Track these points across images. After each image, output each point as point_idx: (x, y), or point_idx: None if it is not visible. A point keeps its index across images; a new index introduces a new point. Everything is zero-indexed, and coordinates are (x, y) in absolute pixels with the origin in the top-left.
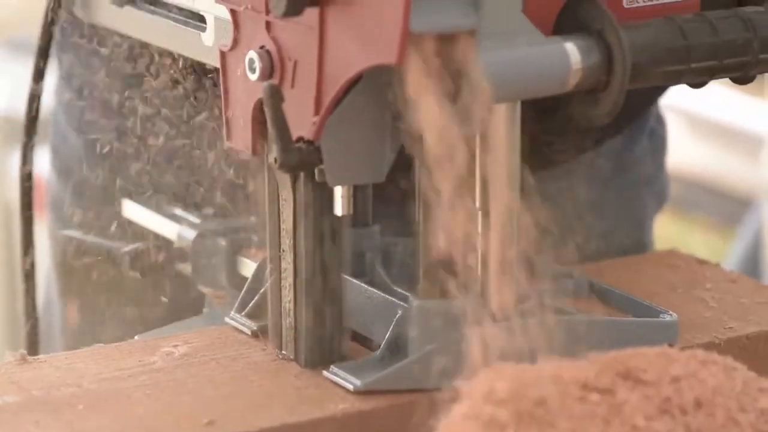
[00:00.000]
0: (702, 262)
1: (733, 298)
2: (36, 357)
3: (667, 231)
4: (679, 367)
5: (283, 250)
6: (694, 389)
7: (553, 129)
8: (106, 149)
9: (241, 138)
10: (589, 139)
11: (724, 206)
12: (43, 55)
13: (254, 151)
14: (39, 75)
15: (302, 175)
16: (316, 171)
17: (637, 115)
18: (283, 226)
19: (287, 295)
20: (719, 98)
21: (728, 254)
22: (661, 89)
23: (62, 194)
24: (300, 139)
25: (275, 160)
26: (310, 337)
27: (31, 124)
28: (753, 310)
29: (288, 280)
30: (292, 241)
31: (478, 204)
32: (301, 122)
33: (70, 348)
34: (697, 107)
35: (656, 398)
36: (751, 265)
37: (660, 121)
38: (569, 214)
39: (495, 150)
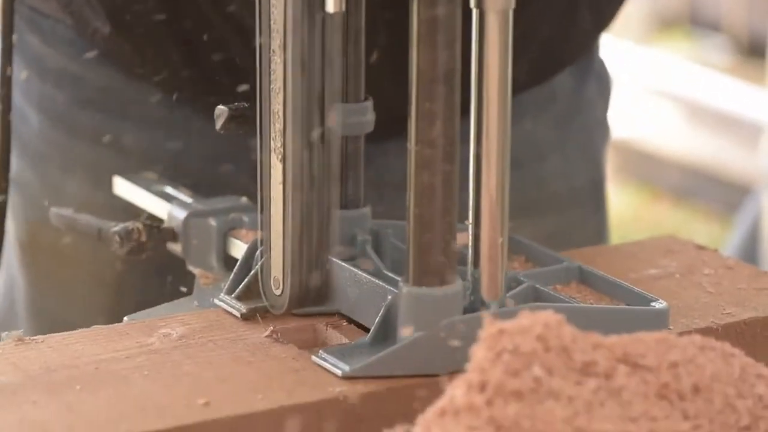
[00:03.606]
0: (700, 248)
1: (730, 283)
2: (33, 338)
3: (666, 218)
4: (678, 353)
5: (273, 51)
6: (692, 375)
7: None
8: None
9: None
10: (540, 70)
11: (724, 194)
12: (7, 32)
13: None
14: (7, 53)
15: None
16: None
17: (579, 50)
18: (273, 26)
19: (276, 103)
20: (719, 87)
21: (727, 241)
22: (599, 28)
23: (22, 171)
24: None
25: None
26: (296, 260)
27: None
28: (751, 296)
29: (278, 83)
30: (282, 40)
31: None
32: None
33: (35, 327)
34: (697, 96)
35: (654, 384)
36: (749, 252)
37: (602, 64)
38: (531, 155)
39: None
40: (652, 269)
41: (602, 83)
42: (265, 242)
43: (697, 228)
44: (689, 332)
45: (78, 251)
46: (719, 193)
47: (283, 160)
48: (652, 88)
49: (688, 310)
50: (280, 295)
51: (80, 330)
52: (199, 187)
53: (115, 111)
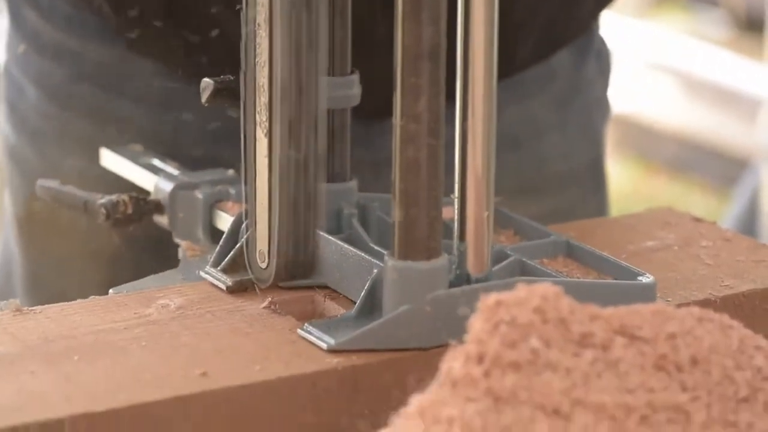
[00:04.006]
0: (698, 220)
1: (729, 256)
2: (31, 308)
3: (664, 192)
4: (675, 325)
5: (259, 24)
6: (691, 347)
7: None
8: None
9: None
10: (539, 48)
11: (721, 168)
12: None
13: None
14: None
15: None
16: None
17: (580, 29)
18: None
19: (262, 76)
20: (718, 60)
21: (724, 215)
22: (602, 5)
23: (20, 146)
24: None
25: None
26: (282, 233)
27: None
28: (749, 268)
29: (263, 56)
30: (268, 13)
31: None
32: None
33: (31, 300)
34: (695, 69)
35: (652, 355)
36: (747, 226)
37: (603, 42)
38: (530, 135)
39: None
40: (650, 241)
41: (602, 61)
42: (250, 215)
43: (694, 201)
44: (687, 304)
45: (74, 226)
46: (716, 166)
47: (269, 134)
48: (650, 62)
49: (686, 282)
50: (265, 268)
51: (78, 301)
52: (196, 164)
53: (112, 87)
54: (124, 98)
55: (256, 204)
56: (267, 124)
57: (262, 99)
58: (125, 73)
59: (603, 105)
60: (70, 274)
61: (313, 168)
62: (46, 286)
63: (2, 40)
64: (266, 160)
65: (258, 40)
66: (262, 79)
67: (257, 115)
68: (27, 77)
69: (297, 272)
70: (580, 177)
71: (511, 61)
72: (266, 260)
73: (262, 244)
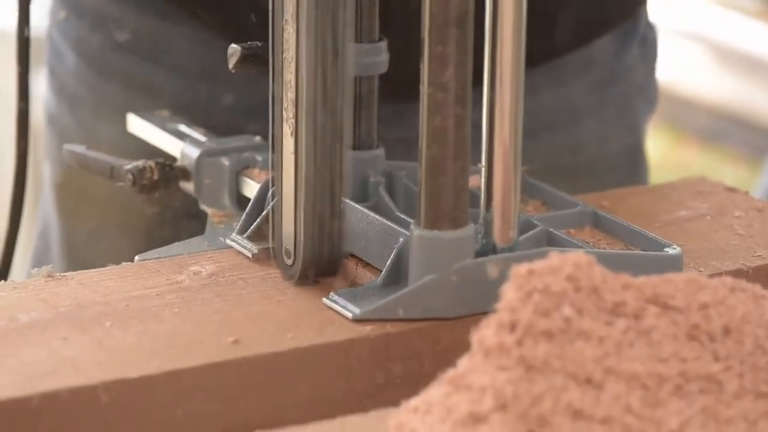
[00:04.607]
0: (731, 190)
1: (761, 226)
2: (63, 274)
3: (694, 162)
4: (708, 294)
5: (286, 20)
6: (723, 316)
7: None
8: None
9: None
10: (581, 33)
11: (752, 138)
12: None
13: None
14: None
15: None
16: None
17: (624, 14)
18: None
19: (288, 72)
20: (748, 29)
21: (755, 186)
22: None
23: (59, 113)
24: None
25: None
26: (308, 233)
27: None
28: None
29: (290, 52)
30: (295, 10)
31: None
32: None
33: (68, 267)
34: (725, 38)
35: (684, 325)
36: None
37: (650, 27)
38: (566, 120)
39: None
40: (683, 211)
41: (647, 48)
42: (276, 210)
43: (724, 171)
44: (720, 274)
45: (112, 194)
46: (747, 136)
47: (295, 133)
48: (682, 31)
49: (719, 252)
50: (291, 266)
51: (110, 267)
52: (229, 134)
53: (148, 55)
54: (160, 67)
55: (282, 202)
56: (293, 121)
57: (289, 95)
58: (162, 42)
59: (646, 92)
60: (107, 242)
61: (340, 160)
62: (83, 253)
63: (46, 6)
64: (293, 157)
65: (285, 35)
66: (289, 74)
67: (284, 111)
68: (67, 43)
69: (323, 269)
70: (616, 163)
71: (550, 43)
72: (292, 257)
73: (288, 241)
